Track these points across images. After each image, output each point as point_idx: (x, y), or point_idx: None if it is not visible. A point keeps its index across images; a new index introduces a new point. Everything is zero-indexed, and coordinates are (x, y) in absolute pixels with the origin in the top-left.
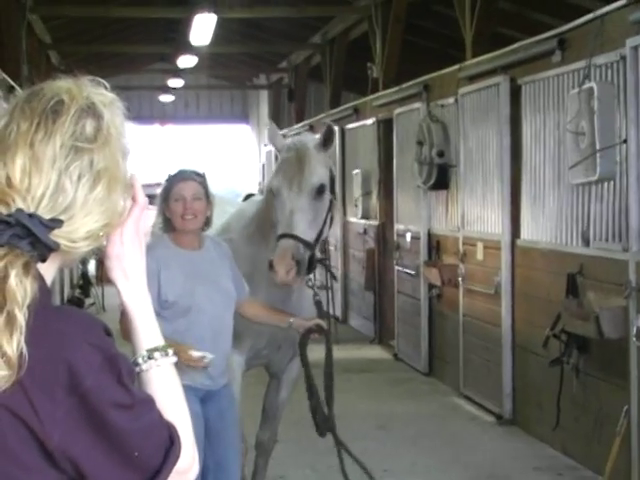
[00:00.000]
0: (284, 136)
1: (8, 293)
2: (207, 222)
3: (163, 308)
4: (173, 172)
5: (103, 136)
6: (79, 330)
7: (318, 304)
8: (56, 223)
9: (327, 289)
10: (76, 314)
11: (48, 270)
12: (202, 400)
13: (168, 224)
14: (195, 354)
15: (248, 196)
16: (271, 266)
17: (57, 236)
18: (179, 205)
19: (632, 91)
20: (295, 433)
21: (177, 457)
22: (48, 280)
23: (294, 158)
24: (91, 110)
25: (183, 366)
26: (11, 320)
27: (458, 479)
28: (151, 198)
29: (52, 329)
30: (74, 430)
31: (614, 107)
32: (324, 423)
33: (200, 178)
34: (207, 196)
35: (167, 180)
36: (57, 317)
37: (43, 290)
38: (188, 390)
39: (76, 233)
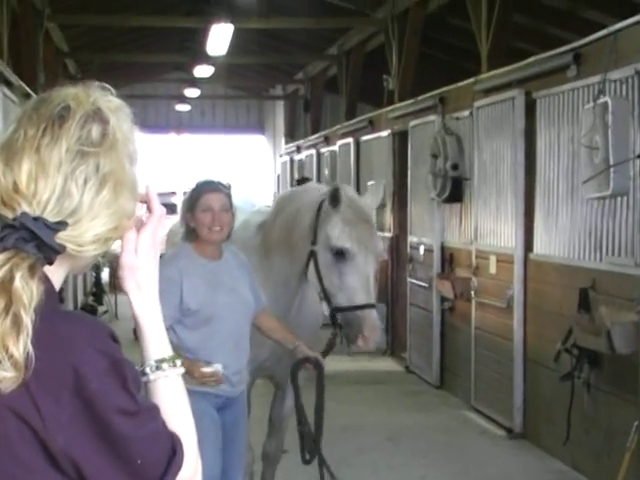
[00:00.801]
0: (299, 147)
1: (14, 295)
2: (229, 233)
3: (185, 316)
4: (200, 182)
5: (109, 141)
6: (86, 335)
7: (331, 341)
8: (60, 225)
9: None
10: (83, 319)
11: (56, 274)
12: (221, 406)
13: (191, 234)
14: (207, 370)
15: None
16: (352, 338)
17: (64, 240)
18: (207, 216)
19: None
20: None
21: (179, 467)
22: (56, 284)
23: (364, 222)
24: (97, 115)
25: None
26: (17, 322)
27: None
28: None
29: (59, 332)
30: (78, 434)
31: (628, 122)
32: (310, 452)
33: (227, 189)
34: (232, 207)
35: (194, 190)
36: (64, 321)
37: (50, 293)
38: (209, 397)
39: (83, 237)
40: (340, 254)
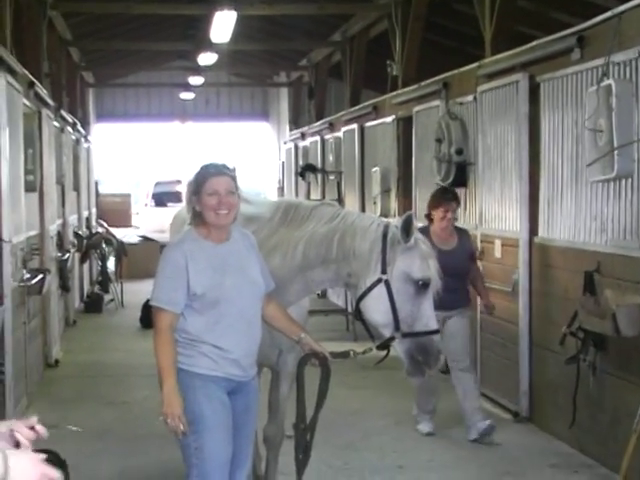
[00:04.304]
0: (303, 134)
1: None
2: (236, 215)
3: (192, 300)
4: (204, 165)
5: None
6: None
7: (347, 353)
8: None
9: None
10: None
11: None
12: (232, 392)
13: (197, 217)
14: (180, 425)
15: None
16: (431, 363)
17: None
18: (213, 199)
19: None
20: None
21: None
22: None
23: (433, 254)
24: None
25: (215, 358)
26: None
27: (474, 476)
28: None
29: None
30: None
31: (632, 104)
32: (304, 454)
33: (232, 172)
34: (237, 189)
35: (199, 173)
36: None
37: None
38: (219, 380)
39: None
40: (424, 285)
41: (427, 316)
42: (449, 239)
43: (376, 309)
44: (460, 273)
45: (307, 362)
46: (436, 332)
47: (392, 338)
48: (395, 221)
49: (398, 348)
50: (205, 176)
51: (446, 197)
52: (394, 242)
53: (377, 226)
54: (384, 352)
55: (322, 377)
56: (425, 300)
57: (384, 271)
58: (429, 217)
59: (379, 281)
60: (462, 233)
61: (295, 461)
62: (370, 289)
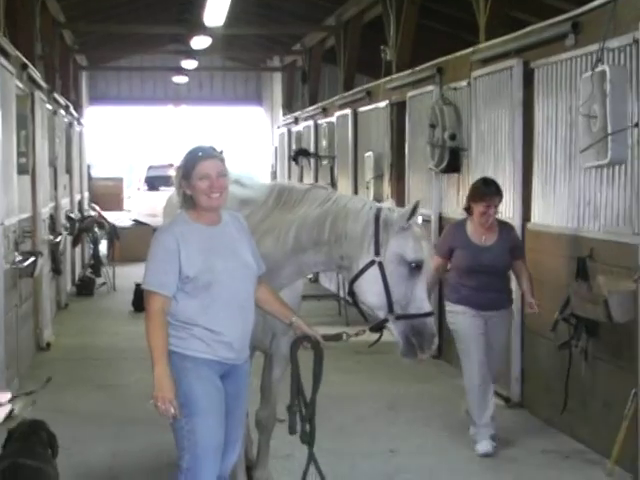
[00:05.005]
0: (297, 119)
1: None
2: (226, 198)
3: (184, 284)
4: (193, 149)
5: None
6: None
7: (340, 335)
8: None
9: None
10: None
11: None
12: (224, 375)
13: (188, 201)
14: (171, 409)
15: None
16: (426, 346)
17: None
18: (205, 183)
19: None
20: None
21: None
22: None
23: (426, 236)
24: None
25: (208, 340)
26: None
27: (466, 460)
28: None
29: None
30: None
31: (626, 90)
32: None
33: (220, 155)
34: (226, 172)
35: (187, 158)
36: None
37: None
38: (212, 364)
39: None
40: (417, 267)
41: (421, 299)
42: (488, 234)
43: (369, 291)
44: (498, 271)
45: (299, 345)
46: (430, 314)
47: (385, 320)
48: (387, 203)
49: (393, 330)
50: (195, 160)
51: (489, 190)
52: (387, 224)
53: (369, 208)
54: (377, 334)
55: (315, 360)
56: (418, 282)
57: (377, 253)
58: (468, 210)
59: (372, 263)
60: (504, 227)
61: (301, 440)
62: (363, 271)
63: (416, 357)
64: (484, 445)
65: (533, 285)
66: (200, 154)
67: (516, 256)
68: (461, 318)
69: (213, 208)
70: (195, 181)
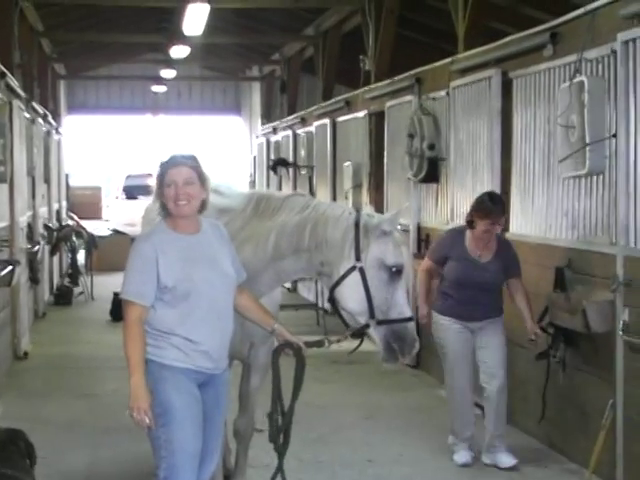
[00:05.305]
0: (275, 128)
1: None
2: (203, 205)
3: (163, 293)
4: (165, 158)
5: None
6: None
7: (322, 342)
8: None
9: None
10: None
11: None
12: (202, 384)
13: (165, 209)
14: (146, 419)
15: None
16: (406, 350)
17: None
18: (171, 190)
19: (622, 85)
20: None
21: None
22: None
23: (406, 243)
24: None
25: (186, 350)
26: None
27: (444, 470)
28: (142, 189)
29: None
30: None
31: (604, 101)
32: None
33: (193, 162)
34: (202, 179)
35: (160, 166)
36: None
37: None
38: (189, 372)
39: None
40: (397, 272)
41: (401, 304)
42: (486, 250)
43: (351, 297)
44: (490, 289)
45: (281, 352)
46: (410, 320)
47: (367, 326)
48: (366, 209)
49: (374, 335)
50: (165, 168)
51: (497, 209)
52: (367, 229)
53: (349, 214)
54: (357, 341)
55: (297, 367)
56: (398, 287)
57: (358, 258)
58: (470, 223)
59: (353, 268)
60: (502, 244)
61: (275, 448)
62: (344, 277)
63: (397, 362)
64: (462, 455)
65: (531, 306)
66: (170, 162)
67: (511, 274)
68: (449, 334)
69: (181, 215)
70: (165, 189)
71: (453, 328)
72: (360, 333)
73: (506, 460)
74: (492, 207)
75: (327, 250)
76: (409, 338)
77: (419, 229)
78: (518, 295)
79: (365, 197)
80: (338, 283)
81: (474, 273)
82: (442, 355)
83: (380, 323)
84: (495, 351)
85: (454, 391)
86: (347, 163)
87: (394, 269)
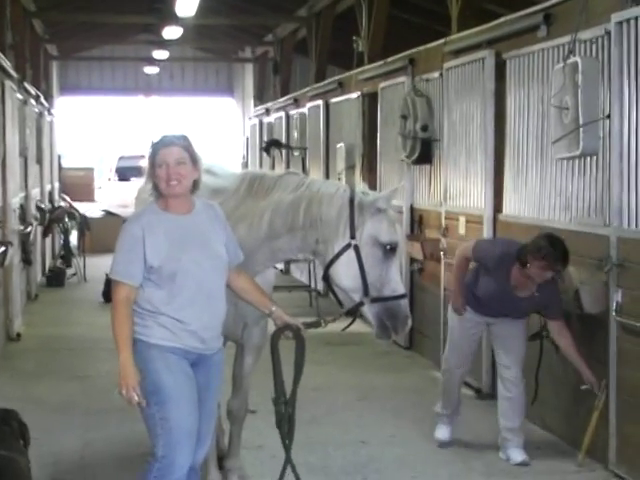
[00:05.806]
0: (268, 110)
1: None
2: (195, 185)
3: (150, 273)
4: (156, 139)
5: None
6: None
7: (319, 322)
8: None
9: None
10: None
11: None
12: (193, 364)
13: (156, 190)
14: (135, 396)
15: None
16: (399, 327)
17: None
18: (163, 170)
19: (616, 66)
20: None
21: None
22: None
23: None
24: None
25: (173, 329)
26: None
27: (436, 451)
28: (134, 170)
29: None
30: None
31: (598, 82)
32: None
33: (184, 142)
34: (193, 159)
35: (151, 147)
36: None
37: None
38: (179, 352)
39: None
40: (392, 250)
41: (395, 281)
42: (526, 288)
43: (345, 274)
44: (516, 317)
45: (280, 335)
46: (404, 296)
47: (361, 303)
48: (360, 187)
49: (367, 313)
50: (156, 148)
51: (561, 265)
52: (362, 207)
53: (343, 192)
54: (350, 319)
55: (297, 348)
56: (392, 264)
57: (353, 236)
58: (522, 262)
59: (348, 246)
60: (546, 283)
61: (280, 435)
62: (339, 254)
63: (390, 339)
64: (441, 431)
65: (580, 352)
66: (160, 142)
67: (550, 316)
68: (460, 320)
69: (173, 195)
70: (156, 169)
71: (467, 317)
72: (354, 311)
73: (516, 456)
74: (555, 259)
75: (322, 228)
76: (402, 315)
77: (412, 210)
78: (563, 341)
79: (358, 179)
80: (333, 261)
81: (504, 302)
82: (449, 330)
83: (374, 300)
84: (511, 342)
85: (445, 372)
86: (340, 145)
87: (388, 247)
